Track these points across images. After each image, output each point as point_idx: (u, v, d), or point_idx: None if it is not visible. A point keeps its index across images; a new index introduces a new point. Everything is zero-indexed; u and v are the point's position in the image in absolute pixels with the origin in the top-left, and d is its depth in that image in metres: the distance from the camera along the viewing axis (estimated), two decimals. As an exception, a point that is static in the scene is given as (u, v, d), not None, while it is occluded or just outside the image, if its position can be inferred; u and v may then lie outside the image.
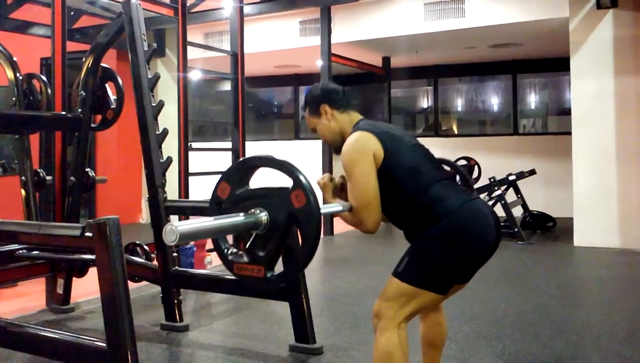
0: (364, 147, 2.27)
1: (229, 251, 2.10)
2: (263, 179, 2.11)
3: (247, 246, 2.04)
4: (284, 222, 2.00)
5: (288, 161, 2.07)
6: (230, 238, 2.16)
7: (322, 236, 7.94)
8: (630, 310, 4.49)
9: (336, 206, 2.34)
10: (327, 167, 8.11)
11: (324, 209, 2.15)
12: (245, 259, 2.06)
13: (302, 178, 2.00)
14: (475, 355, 3.45)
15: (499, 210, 7.57)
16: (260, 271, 2.03)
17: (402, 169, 2.27)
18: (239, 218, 2.00)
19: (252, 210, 2.02)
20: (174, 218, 4.61)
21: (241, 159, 2.22)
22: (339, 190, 2.46)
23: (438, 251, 2.21)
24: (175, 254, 4.04)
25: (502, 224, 7.82)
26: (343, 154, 2.31)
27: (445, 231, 2.20)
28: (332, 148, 2.53)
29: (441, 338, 2.53)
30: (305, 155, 9.86)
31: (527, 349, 3.53)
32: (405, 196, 2.27)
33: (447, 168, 8.09)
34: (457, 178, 6.97)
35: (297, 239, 2.14)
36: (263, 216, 2.01)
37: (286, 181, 2.04)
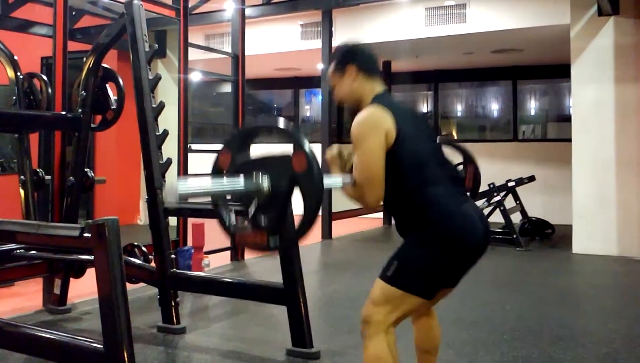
0: (377, 123, 2.17)
1: (230, 221, 2.08)
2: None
3: (249, 213, 2.02)
4: (285, 187, 1.99)
5: (289, 127, 2.07)
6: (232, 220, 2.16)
7: (320, 239, 7.99)
8: (629, 317, 4.49)
9: (339, 179, 2.27)
10: (327, 170, 8.09)
11: (327, 180, 2.13)
12: (247, 226, 2.04)
13: (304, 142, 1.98)
14: (473, 362, 3.44)
15: (498, 216, 7.59)
16: (262, 238, 2.02)
17: (409, 159, 2.19)
18: (240, 182, 1.99)
19: (254, 176, 2.01)
20: (173, 219, 4.60)
21: (241, 127, 2.22)
22: (347, 166, 2.37)
23: (426, 256, 2.18)
24: (173, 256, 4.03)
25: (500, 230, 7.84)
26: (354, 125, 2.21)
27: (434, 236, 2.17)
28: (346, 109, 2.42)
29: (435, 344, 2.51)
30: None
31: (525, 356, 3.52)
32: (404, 186, 2.21)
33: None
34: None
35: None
36: (264, 181, 1.99)
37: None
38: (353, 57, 2.35)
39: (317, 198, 1.96)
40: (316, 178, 1.95)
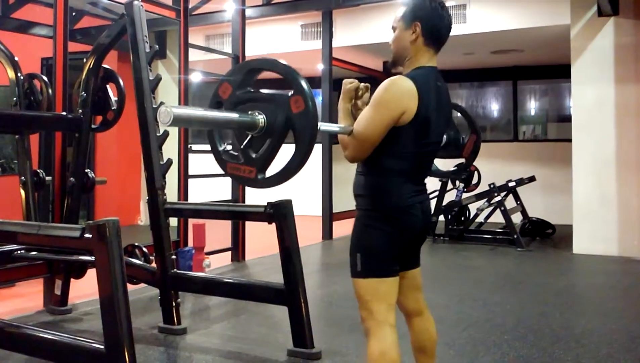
0: (400, 100, 2.11)
1: (223, 149, 2.11)
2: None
3: (242, 146, 2.07)
4: (280, 126, 2.02)
5: (290, 67, 2.09)
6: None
7: (320, 240, 7.99)
8: (629, 317, 4.49)
9: (336, 126, 2.26)
10: (327, 171, 8.10)
11: (323, 127, 2.15)
12: (239, 159, 2.08)
13: (303, 83, 2.01)
14: (473, 362, 3.44)
15: (498, 217, 7.59)
16: (252, 172, 2.07)
17: (401, 146, 2.17)
18: (235, 115, 2.03)
19: (250, 111, 2.05)
20: (173, 219, 4.60)
21: (244, 61, 2.25)
22: (358, 106, 2.33)
23: (371, 239, 2.22)
24: (173, 256, 4.03)
25: (501, 230, 7.87)
26: (382, 86, 2.15)
27: (376, 220, 2.21)
28: (391, 59, 2.33)
29: (431, 344, 2.51)
30: (305, 159, 9.87)
31: (526, 356, 3.52)
32: (380, 160, 2.20)
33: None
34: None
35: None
36: (260, 118, 2.04)
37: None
38: (424, 17, 2.22)
39: (310, 139, 1.99)
40: (311, 120, 1.99)
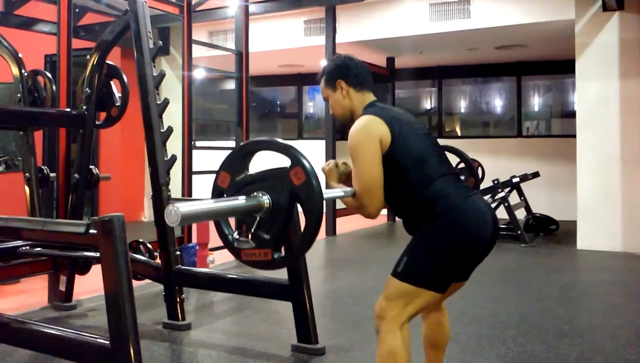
0: (371, 131, 2.24)
1: (233, 238, 2.09)
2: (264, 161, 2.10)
3: (252, 230, 2.03)
4: (286, 202, 2.00)
5: (284, 142, 2.07)
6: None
7: (324, 236, 7.99)
8: (634, 313, 4.48)
9: (339, 191, 2.31)
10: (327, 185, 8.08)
11: (327, 194, 2.14)
12: (251, 244, 2.05)
13: (299, 155, 2.00)
14: (478, 357, 3.44)
15: (502, 213, 7.57)
16: (267, 254, 2.03)
17: (408, 158, 2.24)
18: (240, 201, 2.00)
19: (254, 194, 2.02)
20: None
21: (237, 146, 2.22)
22: (344, 178, 2.43)
23: (436, 250, 2.20)
24: (178, 252, 4.04)
25: (504, 226, 7.82)
26: (350, 136, 2.28)
27: (444, 229, 2.19)
28: (340, 122, 2.50)
29: (444, 340, 2.52)
30: (309, 155, 9.85)
31: (530, 351, 3.51)
32: (408, 186, 2.25)
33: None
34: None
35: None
36: (265, 198, 2.01)
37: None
38: (342, 72, 2.41)
39: (318, 210, 1.97)
40: (315, 189, 1.97)
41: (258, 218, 2.02)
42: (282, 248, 2.11)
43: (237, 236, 2.08)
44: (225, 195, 2.12)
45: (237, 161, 2.14)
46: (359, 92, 2.41)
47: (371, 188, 2.22)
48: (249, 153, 2.15)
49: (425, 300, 2.24)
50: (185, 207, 1.74)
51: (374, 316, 2.29)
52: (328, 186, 2.41)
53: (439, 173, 2.27)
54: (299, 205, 2.05)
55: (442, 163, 2.33)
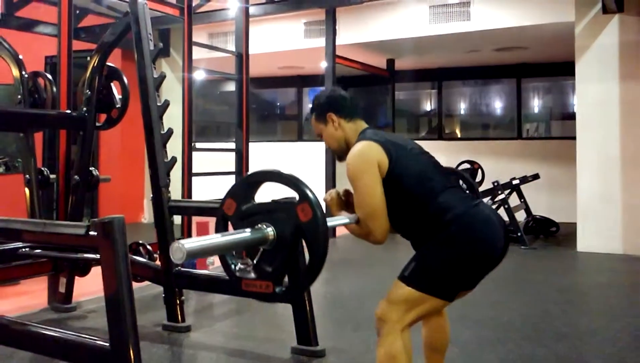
0: (368, 156, 2.27)
1: (236, 267, 2.07)
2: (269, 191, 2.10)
3: (254, 261, 2.02)
4: (291, 236, 1.98)
5: (293, 175, 2.05)
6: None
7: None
8: (633, 316, 4.48)
9: (343, 218, 2.32)
10: (331, 169, 8.09)
11: (331, 222, 2.13)
12: (253, 275, 2.03)
13: (308, 191, 1.98)
14: (478, 360, 3.44)
15: (502, 214, 7.56)
16: (268, 287, 2.01)
17: (410, 177, 2.27)
18: (246, 234, 1.97)
19: (259, 225, 2.00)
20: (177, 217, 4.60)
21: (246, 174, 2.20)
22: (346, 205, 2.44)
23: (445, 258, 2.20)
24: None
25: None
26: (347, 164, 2.31)
27: (453, 237, 2.20)
28: (337, 155, 2.53)
29: (444, 342, 2.52)
30: (308, 157, 9.86)
31: (530, 354, 3.51)
32: (413, 204, 2.26)
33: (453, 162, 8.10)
34: (462, 184, 6.92)
35: (303, 254, 2.12)
36: (270, 231, 1.98)
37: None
38: (330, 105, 2.45)
39: (323, 250, 1.96)
40: (321, 228, 1.95)
41: (262, 249, 2.00)
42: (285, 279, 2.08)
43: (239, 266, 2.06)
44: (230, 222, 2.10)
45: (243, 189, 2.13)
46: (350, 122, 2.45)
47: (374, 212, 2.23)
48: (255, 183, 2.13)
49: (430, 307, 2.25)
50: (190, 244, 1.73)
51: (375, 318, 2.29)
52: (331, 215, 2.39)
53: (442, 186, 2.29)
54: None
55: (444, 177, 2.35)
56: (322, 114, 2.47)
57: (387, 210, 2.24)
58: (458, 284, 2.25)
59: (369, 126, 2.49)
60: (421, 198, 2.26)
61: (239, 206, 2.08)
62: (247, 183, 2.16)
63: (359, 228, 2.28)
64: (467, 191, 2.10)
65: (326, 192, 2.51)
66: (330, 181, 8.05)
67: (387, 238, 2.31)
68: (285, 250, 1.99)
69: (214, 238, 1.92)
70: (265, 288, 2.02)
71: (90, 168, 4.52)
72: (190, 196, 5.69)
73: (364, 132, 2.42)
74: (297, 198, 1.99)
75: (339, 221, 2.31)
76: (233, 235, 1.97)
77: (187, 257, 1.71)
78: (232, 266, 2.08)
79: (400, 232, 2.38)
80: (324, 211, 1.99)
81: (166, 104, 4.02)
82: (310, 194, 1.98)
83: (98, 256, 2.29)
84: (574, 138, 7.28)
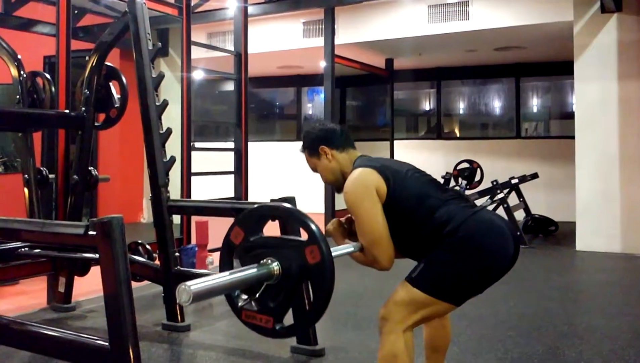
0: (365, 183, 2.26)
1: (238, 295, 2.05)
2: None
3: (257, 295, 1.99)
4: (296, 276, 1.96)
5: (305, 214, 2.03)
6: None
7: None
8: (633, 314, 4.48)
9: (347, 247, 2.29)
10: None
11: (335, 252, 2.10)
12: (255, 307, 2.02)
13: (317, 233, 1.95)
14: (477, 358, 3.44)
15: (501, 214, 7.57)
16: (269, 322, 2.00)
17: (409, 199, 2.26)
18: (252, 271, 1.95)
19: (265, 260, 1.98)
20: (176, 217, 4.59)
21: (258, 205, 2.17)
22: (349, 233, 2.43)
23: (453, 262, 2.20)
24: (177, 254, 4.04)
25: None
26: (345, 193, 2.30)
27: (460, 242, 2.19)
28: (335, 187, 2.52)
29: (445, 342, 2.52)
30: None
31: (529, 352, 3.52)
32: (416, 224, 2.25)
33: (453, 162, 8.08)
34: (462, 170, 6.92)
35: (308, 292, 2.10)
36: (275, 266, 1.96)
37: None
38: (321, 138, 2.45)
39: (327, 294, 1.96)
40: (328, 273, 1.94)
41: (265, 284, 1.98)
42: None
43: (242, 296, 2.04)
44: (235, 251, 2.08)
45: (253, 220, 2.10)
46: (343, 152, 2.44)
47: (378, 238, 2.22)
48: (265, 217, 2.12)
49: (437, 310, 2.25)
50: (196, 285, 1.72)
51: (378, 317, 2.29)
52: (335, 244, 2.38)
53: (442, 200, 2.28)
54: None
55: (444, 192, 2.35)
56: (314, 148, 2.46)
57: (390, 235, 2.23)
58: (469, 290, 2.26)
59: (361, 154, 2.48)
60: (422, 218, 2.24)
61: (246, 236, 2.06)
62: (258, 214, 2.12)
63: (363, 256, 2.27)
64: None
65: (325, 191, 2.51)
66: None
67: (393, 264, 2.29)
68: (289, 288, 1.98)
69: (221, 278, 1.88)
70: (265, 322, 2.01)
71: (89, 168, 4.52)
72: (189, 196, 5.69)
73: (358, 160, 2.42)
74: (307, 238, 1.97)
75: (343, 251, 2.27)
76: (239, 273, 1.94)
77: (194, 299, 1.70)
78: (234, 294, 2.05)
79: (406, 254, 2.36)
80: (330, 250, 1.96)
81: (165, 104, 4.02)
82: (320, 239, 1.94)
83: (97, 255, 2.29)
84: (573, 137, 7.29)
